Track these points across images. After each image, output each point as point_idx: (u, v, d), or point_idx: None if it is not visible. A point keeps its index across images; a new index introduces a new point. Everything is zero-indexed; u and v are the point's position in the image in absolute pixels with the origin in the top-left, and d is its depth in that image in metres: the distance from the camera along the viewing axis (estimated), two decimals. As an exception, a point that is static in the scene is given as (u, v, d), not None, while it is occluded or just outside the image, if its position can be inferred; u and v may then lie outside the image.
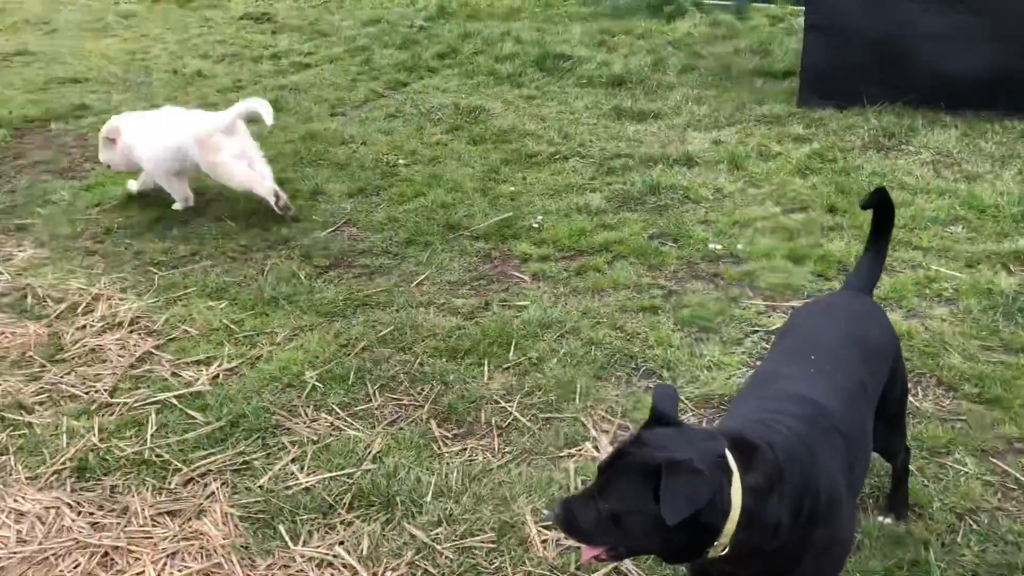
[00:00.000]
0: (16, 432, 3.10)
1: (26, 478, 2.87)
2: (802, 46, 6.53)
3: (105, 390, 3.33)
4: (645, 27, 8.77)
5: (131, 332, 3.75)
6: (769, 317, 3.72)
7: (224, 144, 4.78)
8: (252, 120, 5.05)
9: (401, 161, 5.68)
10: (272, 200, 4.79)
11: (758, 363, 3.38)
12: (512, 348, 3.53)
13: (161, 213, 4.99)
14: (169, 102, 6.99)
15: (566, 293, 3.99)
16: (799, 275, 4.04)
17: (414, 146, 5.93)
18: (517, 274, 4.21)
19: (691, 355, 3.46)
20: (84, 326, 3.80)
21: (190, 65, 8.28)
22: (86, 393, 3.32)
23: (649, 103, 6.62)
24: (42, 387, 3.36)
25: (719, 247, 4.34)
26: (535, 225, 4.67)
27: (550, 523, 2.55)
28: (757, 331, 3.62)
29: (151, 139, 4.93)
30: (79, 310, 3.94)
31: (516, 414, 3.15)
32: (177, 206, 5.08)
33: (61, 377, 3.43)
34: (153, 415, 3.17)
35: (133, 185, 5.27)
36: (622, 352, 3.48)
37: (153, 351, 3.61)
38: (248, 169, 4.84)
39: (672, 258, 4.25)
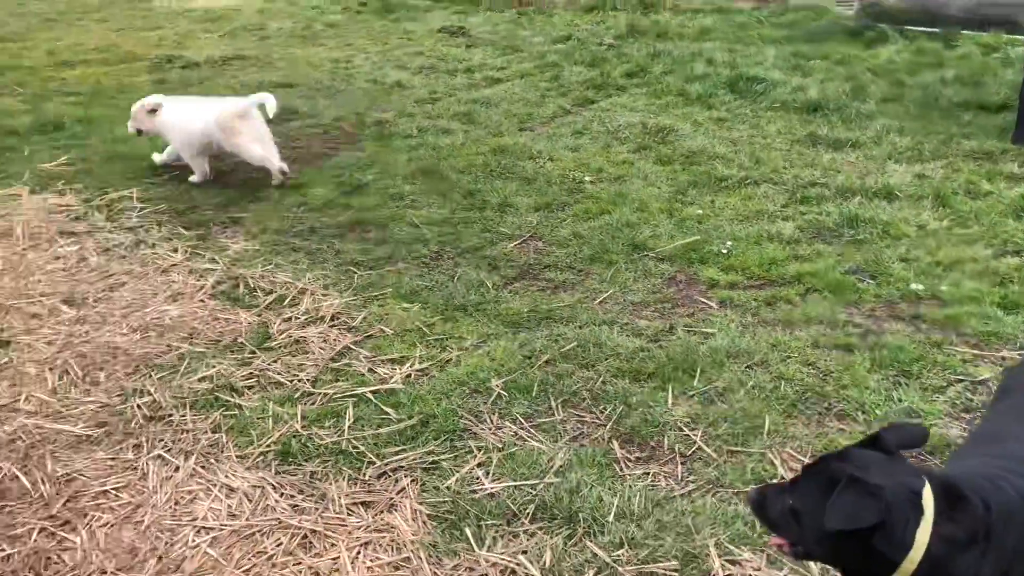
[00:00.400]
0: (228, 412, 3.34)
1: (236, 456, 3.09)
2: (1022, 78, 6.11)
3: (308, 380, 3.54)
4: (843, 53, 8.47)
5: (332, 327, 3.97)
6: (976, 367, 3.50)
7: (241, 128, 5.65)
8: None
9: (587, 178, 5.73)
10: (280, 176, 5.76)
11: (964, 415, 3.18)
12: (697, 375, 3.49)
13: (359, 216, 5.25)
14: (369, 110, 7.39)
15: (755, 323, 3.90)
16: (1011, 324, 3.77)
17: (600, 164, 5.97)
18: (703, 299, 4.15)
19: (888, 399, 3.30)
20: (290, 318, 4.05)
21: (389, 76, 8.68)
22: (290, 381, 3.54)
23: (847, 131, 6.38)
24: (251, 372, 3.61)
25: (921, 287, 4.12)
26: (723, 251, 4.59)
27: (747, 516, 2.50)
28: (962, 380, 3.41)
29: (184, 123, 5.79)
30: (286, 302, 4.21)
31: (700, 443, 3.10)
32: (194, 179, 5.93)
33: (268, 364, 3.67)
34: (351, 408, 3.34)
35: (158, 157, 6.17)
36: (813, 390, 3.37)
37: (352, 346, 3.80)
38: (261, 150, 5.74)
39: (870, 296, 4.08)
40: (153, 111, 5.89)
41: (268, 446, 3.14)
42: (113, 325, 4.02)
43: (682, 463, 3.02)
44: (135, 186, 5.82)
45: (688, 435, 3.15)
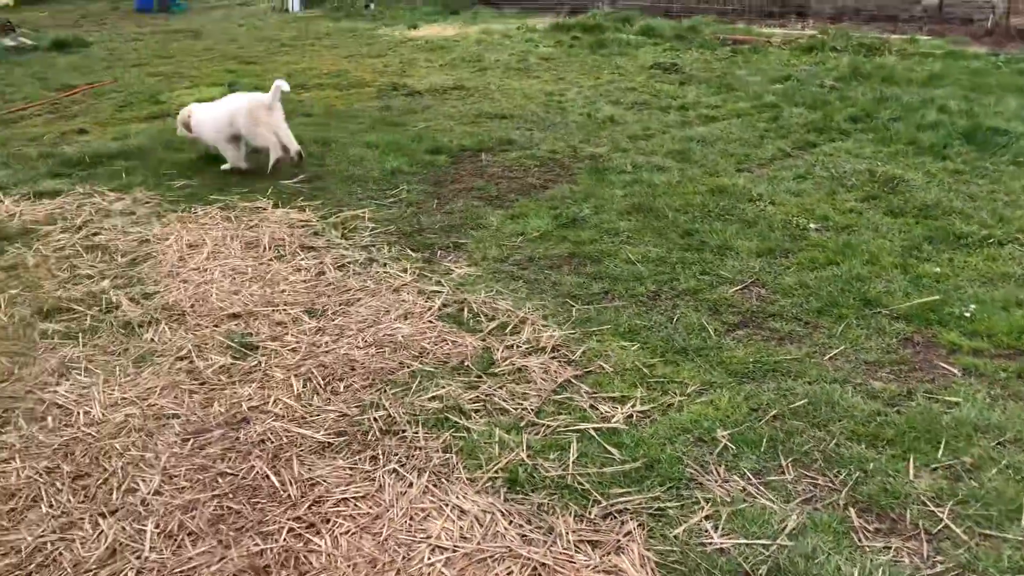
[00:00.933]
0: (457, 434, 3.45)
1: (467, 479, 3.18)
2: None
3: (532, 409, 3.60)
4: (1100, 104, 7.77)
5: (552, 358, 4.03)
6: None
7: (266, 118, 6.75)
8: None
9: (811, 225, 5.54)
10: (288, 158, 6.84)
11: None
12: (941, 447, 3.27)
13: (575, 249, 5.31)
14: (583, 144, 7.48)
15: (1005, 396, 3.61)
16: None
17: (825, 211, 5.75)
18: (944, 365, 3.89)
19: None
20: (512, 346, 4.15)
21: (602, 110, 8.78)
22: (515, 409, 3.62)
23: (1107, 192, 5.83)
24: (478, 396, 3.72)
25: None
26: (966, 314, 4.30)
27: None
28: None
29: (212, 118, 6.97)
30: (507, 330, 4.31)
31: (948, 522, 2.90)
32: (226, 167, 7.01)
33: (494, 390, 3.76)
34: (574, 443, 3.37)
35: (224, 166, 7.09)
36: (1079, 477, 3.07)
37: (572, 380, 3.84)
38: (275, 138, 6.80)
39: None
40: (186, 121, 7.14)
41: (496, 472, 3.21)
42: (350, 338, 4.26)
43: (928, 541, 2.83)
44: (367, 207, 6.16)
45: (933, 511, 2.95)
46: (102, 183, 6.77)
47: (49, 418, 3.63)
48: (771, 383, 3.77)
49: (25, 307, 4.65)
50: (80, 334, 4.35)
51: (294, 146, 6.93)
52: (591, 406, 3.64)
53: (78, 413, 3.65)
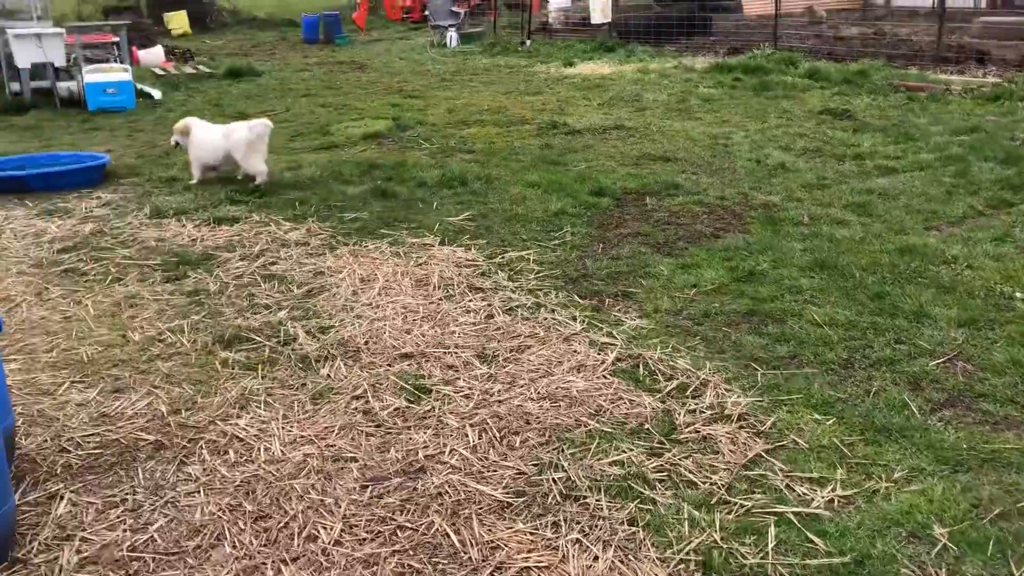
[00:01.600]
0: (643, 506, 3.25)
1: (656, 557, 2.97)
2: None
3: (722, 485, 3.36)
4: None
5: (739, 428, 3.78)
6: None
7: (259, 147, 7.64)
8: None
9: (1018, 294, 5.06)
10: (259, 180, 7.69)
11: None
12: None
13: (754, 306, 5.03)
14: (754, 191, 7.19)
15: None
16: None
17: (1032, 279, 5.26)
18: None
19: None
20: (695, 410, 3.92)
21: (771, 156, 8.45)
22: (703, 483, 3.39)
23: None
24: (662, 464, 3.51)
25: None
26: None
27: None
28: None
29: (207, 140, 7.75)
30: (688, 392, 4.09)
31: None
32: (192, 182, 7.84)
33: (679, 459, 3.54)
34: (772, 527, 3.11)
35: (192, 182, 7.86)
36: None
37: (764, 454, 3.58)
38: (264, 166, 7.71)
39: None
40: (186, 132, 7.80)
41: (688, 553, 2.99)
42: (523, 388, 4.14)
43: None
44: (531, 248, 6.08)
45: None
46: (277, 212, 6.98)
47: (231, 451, 3.65)
48: (991, 475, 3.40)
49: (207, 334, 4.77)
50: (259, 365, 4.40)
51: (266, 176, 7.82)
52: (787, 486, 3.36)
53: (258, 449, 3.66)
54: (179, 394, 4.14)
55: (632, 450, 3.61)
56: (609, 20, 18.28)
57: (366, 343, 4.64)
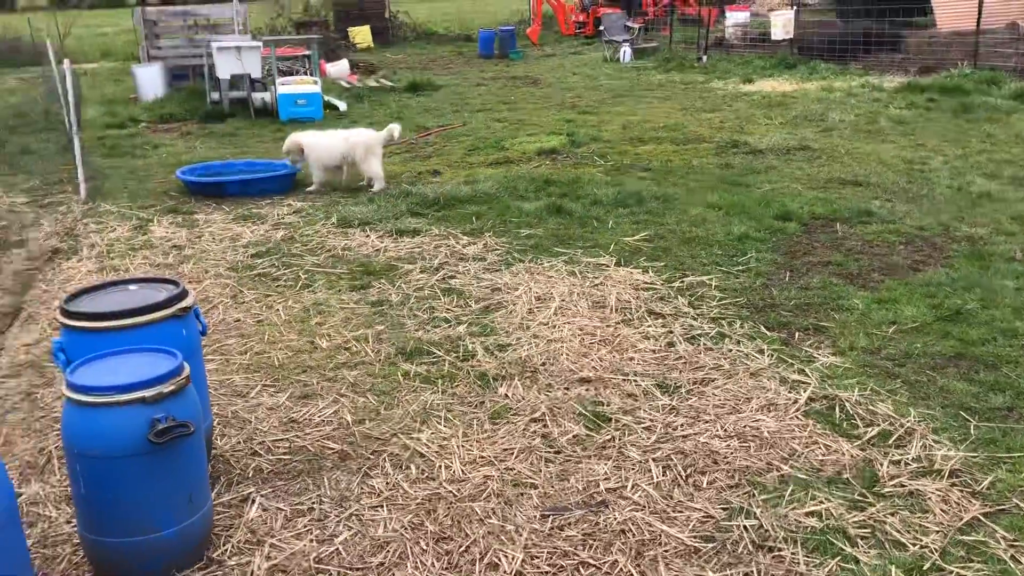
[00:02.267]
0: (845, 565, 3.00)
1: (863, 626, 2.73)
2: None
3: (935, 549, 3.06)
4: None
5: (952, 485, 3.44)
6: None
7: (378, 151, 8.31)
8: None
9: None
10: (376, 187, 8.27)
11: None
12: None
13: (962, 349, 4.62)
14: (956, 222, 6.66)
15: None
16: None
17: None
18: None
19: None
20: (899, 461, 3.61)
21: (975, 184, 7.82)
22: (913, 544, 3.09)
23: None
24: (864, 519, 3.24)
25: None
26: None
27: None
28: None
29: (324, 147, 8.29)
30: (891, 441, 3.77)
31: None
32: (311, 189, 8.39)
33: (883, 515, 3.26)
34: (997, 604, 2.79)
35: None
36: None
37: (981, 518, 3.23)
38: (381, 171, 8.30)
39: None
40: (298, 150, 8.27)
41: (899, 625, 2.72)
42: (708, 424, 3.95)
43: None
44: (713, 272, 5.85)
45: None
46: (455, 225, 7.06)
47: (412, 467, 3.66)
48: None
49: (390, 345, 4.84)
50: (439, 380, 4.42)
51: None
52: (1012, 556, 3.02)
53: (439, 467, 3.65)
54: (363, 404, 4.20)
55: (830, 501, 3.35)
56: (791, 36, 17.63)
57: (543, 364, 4.58)
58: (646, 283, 5.71)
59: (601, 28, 21.56)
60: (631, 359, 4.63)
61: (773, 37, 17.93)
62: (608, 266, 6.02)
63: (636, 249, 6.39)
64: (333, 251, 6.50)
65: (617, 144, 10.22)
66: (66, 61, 8.33)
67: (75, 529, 3.12)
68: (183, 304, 3.39)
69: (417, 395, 4.28)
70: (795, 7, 18.87)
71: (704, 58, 18.09)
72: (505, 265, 6.09)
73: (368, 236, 6.84)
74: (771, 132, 10.56)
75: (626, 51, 19.38)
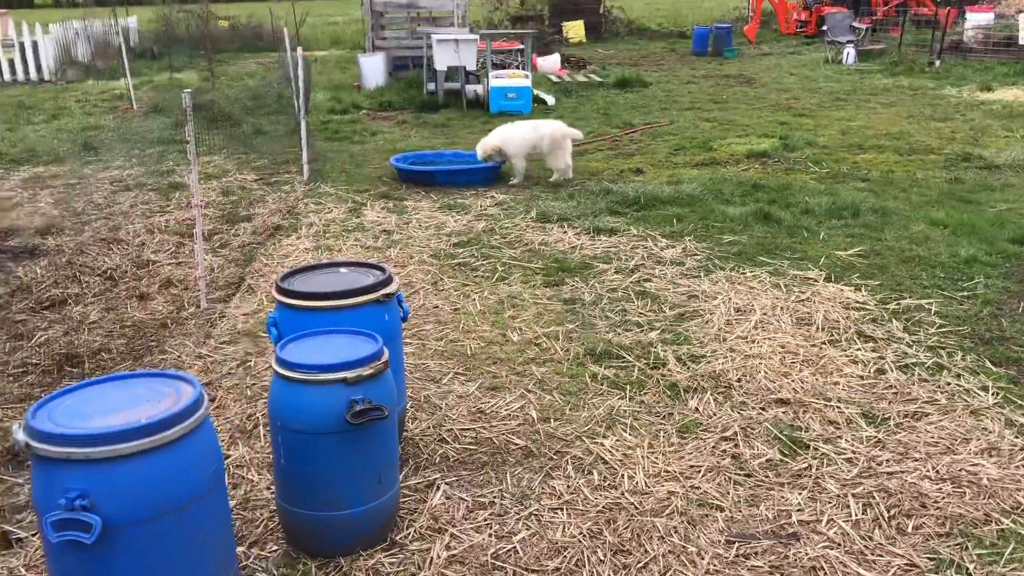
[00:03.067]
0: (1073, 642, 2.66)
1: None
2: None
3: None
4: None
5: None
6: None
7: (565, 144, 8.40)
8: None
9: None
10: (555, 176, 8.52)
11: None
12: None
13: None
14: None
15: None
16: None
17: None
18: None
19: None
20: None
21: None
22: None
23: None
24: (1101, 594, 2.85)
25: None
26: None
27: None
28: None
29: (518, 136, 8.41)
30: None
31: None
32: (513, 182, 8.49)
33: (1125, 592, 2.86)
34: None
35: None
36: None
37: None
38: (562, 163, 8.45)
39: None
40: (498, 150, 8.40)
41: None
42: (917, 463, 3.62)
43: None
44: (933, 297, 5.39)
45: None
46: (654, 226, 6.93)
47: (595, 472, 3.61)
48: None
49: (579, 344, 4.81)
50: (627, 386, 4.34)
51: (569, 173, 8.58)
52: None
53: (622, 475, 3.57)
54: (550, 402, 4.19)
55: (1061, 567, 2.98)
56: (1042, 40, 16.01)
57: (739, 380, 4.38)
58: (857, 302, 5.34)
59: (824, 28, 20.51)
60: (835, 383, 4.34)
61: (1021, 41, 16.35)
62: (816, 281, 5.69)
63: (849, 265, 6.00)
64: (530, 245, 6.55)
65: (834, 150, 9.66)
66: (299, 49, 8.90)
67: (273, 496, 3.30)
68: (387, 290, 3.50)
69: (604, 399, 4.22)
70: (1050, 8, 17.10)
71: (937, 62, 16.78)
72: (704, 272, 5.90)
73: (566, 232, 6.84)
74: (1011, 146, 9.62)
75: (850, 52, 18.32)
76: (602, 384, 4.37)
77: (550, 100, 13.77)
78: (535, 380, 4.42)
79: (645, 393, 4.27)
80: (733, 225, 6.93)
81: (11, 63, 18.91)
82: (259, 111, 13.03)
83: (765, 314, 5.16)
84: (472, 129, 11.68)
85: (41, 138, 11.61)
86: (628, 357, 4.64)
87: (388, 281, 3.55)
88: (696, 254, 6.27)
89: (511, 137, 8.46)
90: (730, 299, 5.38)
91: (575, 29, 24.62)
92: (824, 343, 4.78)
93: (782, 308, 5.23)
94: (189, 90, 5.13)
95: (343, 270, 3.73)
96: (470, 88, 13.55)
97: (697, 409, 4.12)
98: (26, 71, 18.90)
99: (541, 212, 7.39)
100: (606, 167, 9.20)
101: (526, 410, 4.12)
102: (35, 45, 18.84)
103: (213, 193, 8.34)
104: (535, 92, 13.53)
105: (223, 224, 7.30)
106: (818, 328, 4.95)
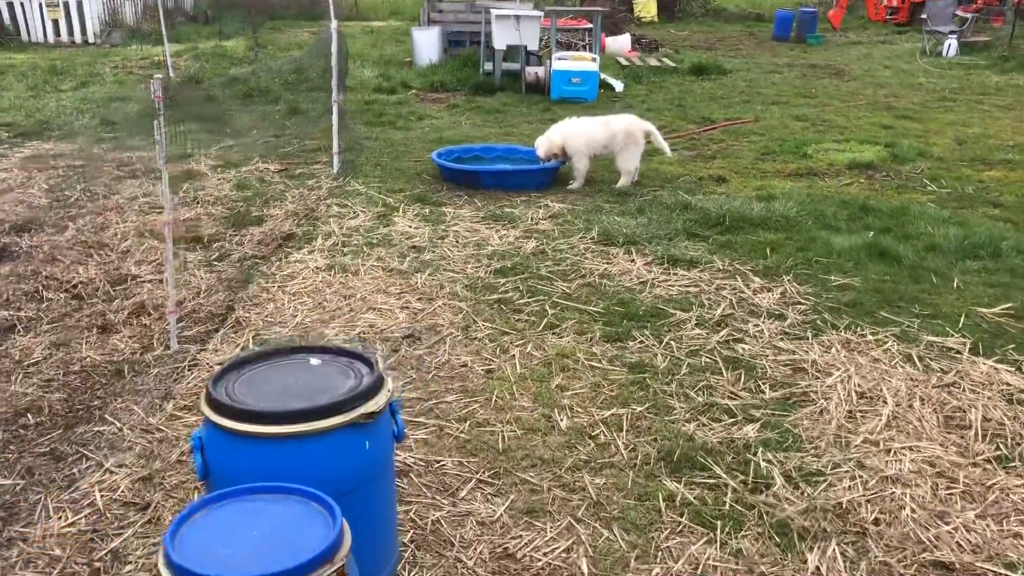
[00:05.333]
0: None
1: None
2: None
3: None
4: None
5: None
6: None
7: (640, 141, 7.26)
8: None
9: None
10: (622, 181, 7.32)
11: None
12: None
13: None
14: None
15: None
16: None
17: None
18: None
19: None
20: None
21: None
22: None
23: None
24: None
25: None
26: None
27: None
28: None
29: (585, 134, 7.22)
30: None
31: None
32: (573, 185, 7.28)
33: None
34: None
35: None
36: None
37: None
38: (631, 165, 7.28)
39: None
40: (560, 150, 7.21)
41: None
42: None
43: None
44: (1125, 389, 4.01)
45: None
46: (744, 257, 5.63)
47: None
48: None
49: (650, 441, 3.57)
50: (717, 521, 3.09)
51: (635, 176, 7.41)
52: None
53: None
54: (606, 544, 2.98)
55: None
56: None
57: (875, 521, 3.11)
58: (1021, 390, 4.00)
59: (923, 16, 18.67)
60: (1016, 534, 3.04)
61: None
62: (960, 353, 4.36)
63: (998, 329, 4.64)
64: (589, 278, 5.30)
65: (952, 164, 8.19)
66: (334, 21, 7.69)
67: None
68: (370, 407, 2.31)
69: (684, 543, 2.99)
70: None
71: (1056, 58, 14.96)
72: (813, 331, 4.59)
73: (634, 261, 5.57)
74: None
75: (951, 44, 16.54)
76: (681, 514, 3.14)
77: (618, 86, 12.40)
78: (589, 501, 3.20)
79: (743, 536, 3.03)
80: (841, 262, 5.58)
81: (55, 23, 18.11)
82: (299, 86, 11.93)
83: (899, 404, 3.86)
84: (529, 118, 10.40)
85: (62, 108, 10.67)
86: (717, 469, 3.39)
87: (375, 389, 2.37)
88: (799, 302, 4.96)
89: (576, 133, 7.24)
90: (850, 377, 4.08)
91: (648, 7, 23.04)
92: (988, 460, 3.47)
93: (922, 398, 3.92)
94: (159, 75, 3.97)
95: (314, 360, 2.55)
96: (531, 70, 12.23)
97: (819, 569, 2.86)
98: (70, 32, 18.10)
99: (604, 231, 6.12)
100: (682, 172, 7.87)
101: (573, 557, 2.91)
102: (79, 4, 17.99)
103: (227, 186, 7.25)
104: (602, 76, 12.16)
105: (227, 228, 6.19)
106: (976, 434, 3.64)
